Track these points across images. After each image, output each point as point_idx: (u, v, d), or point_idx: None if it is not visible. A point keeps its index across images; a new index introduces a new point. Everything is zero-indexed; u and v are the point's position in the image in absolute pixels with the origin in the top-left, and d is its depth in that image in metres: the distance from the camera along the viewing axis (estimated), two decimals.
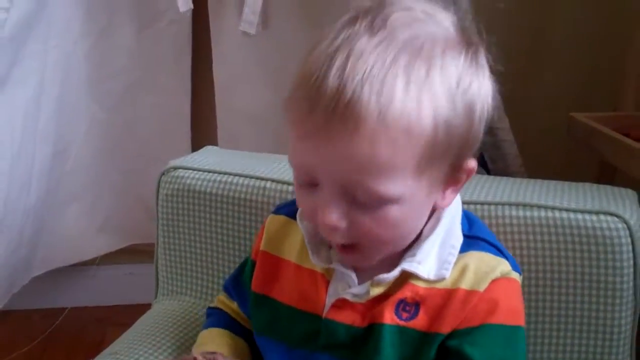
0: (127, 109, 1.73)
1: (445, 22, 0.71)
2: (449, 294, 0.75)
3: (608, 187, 1.03)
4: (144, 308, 1.15)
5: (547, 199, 0.94)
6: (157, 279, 1.18)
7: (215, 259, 1.10)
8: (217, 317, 0.93)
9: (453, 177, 0.74)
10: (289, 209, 0.88)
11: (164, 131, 1.73)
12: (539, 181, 1.03)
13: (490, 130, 1.67)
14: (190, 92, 1.77)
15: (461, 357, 0.74)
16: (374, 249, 0.74)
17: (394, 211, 0.69)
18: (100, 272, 1.94)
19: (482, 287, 0.75)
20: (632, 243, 0.91)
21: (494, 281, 0.75)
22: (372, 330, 0.77)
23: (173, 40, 1.70)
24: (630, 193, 1.02)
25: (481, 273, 0.76)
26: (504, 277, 0.76)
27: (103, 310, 1.88)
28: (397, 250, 0.76)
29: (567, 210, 0.92)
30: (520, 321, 0.78)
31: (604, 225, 0.91)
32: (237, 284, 0.93)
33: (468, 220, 0.82)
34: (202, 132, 1.76)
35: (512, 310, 0.76)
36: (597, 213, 0.92)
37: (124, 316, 1.80)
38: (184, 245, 1.12)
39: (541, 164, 1.59)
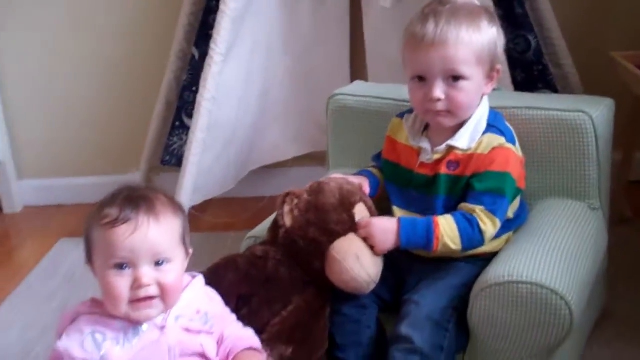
0: (307, 60, 2.48)
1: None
2: (472, 156, 1.48)
3: (594, 97, 1.68)
4: None
5: (544, 104, 1.62)
6: (329, 164, 1.96)
7: (365, 147, 1.81)
8: (364, 171, 1.69)
9: (490, 74, 1.47)
10: (401, 115, 1.63)
11: (332, 74, 2.45)
12: (547, 95, 1.71)
13: (559, 65, 2.32)
14: (349, 48, 2.51)
15: (471, 187, 1.47)
16: (456, 112, 1.46)
17: (467, 84, 1.44)
18: (292, 171, 2.64)
19: (486, 152, 1.46)
20: (595, 130, 1.57)
21: (493, 149, 1.46)
22: (435, 177, 1.51)
23: (336, 13, 2.44)
24: (608, 101, 1.67)
25: (488, 145, 1.47)
26: (499, 147, 1.47)
27: None
28: (464, 118, 1.48)
29: (553, 110, 1.59)
30: (509, 169, 1.45)
31: (576, 117, 1.57)
32: (378, 157, 1.70)
33: (495, 116, 1.53)
34: (357, 75, 2.42)
35: (502, 163, 1.45)
36: (573, 111, 1.58)
37: None
38: (345, 141, 1.87)
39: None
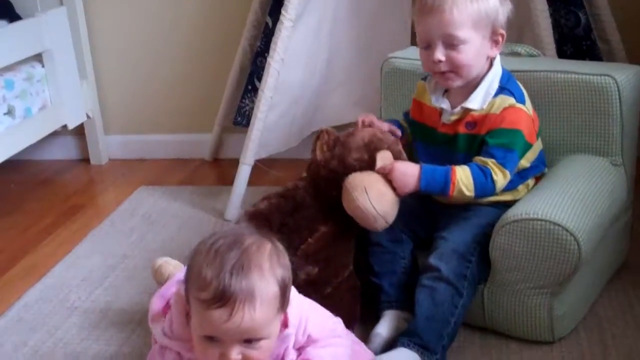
0: (370, 31, 2.66)
1: None
2: (486, 116, 1.64)
3: (623, 65, 1.83)
4: None
5: (575, 68, 1.77)
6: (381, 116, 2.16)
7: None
8: (393, 120, 1.88)
9: (494, 39, 1.63)
10: (425, 78, 1.80)
11: (393, 45, 2.59)
12: (579, 61, 1.86)
13: (606, 40, 2.43)
14: (410, 20, 2.66)
15: (485, 142, 1.63)
16: (459, 72, 1.62)
17: (465, 47, 1.60)
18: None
19: (498, 112, 1.63)
20: (619, 92, 1.71)
21: (504, 109, 1.63)
22: (455, 136, 1.69)
23: None
24: (635, 68, 1.80)
25: (499, 106, 1.63)
26: (510, 106, 1.63)
27: None
28: (469, 78, 1.64)
29: (580, 73, 1.74)
30: (519, 127, 1.62)
31: (602, 81, 1.72)
32: (407, 113, 1.89)
33: (508, 78, 1.69)
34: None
35: (513, 121, 1.62)
36: (600, 75, 1.73)
37: None
38: (395, 99, 2.07)
39: None
